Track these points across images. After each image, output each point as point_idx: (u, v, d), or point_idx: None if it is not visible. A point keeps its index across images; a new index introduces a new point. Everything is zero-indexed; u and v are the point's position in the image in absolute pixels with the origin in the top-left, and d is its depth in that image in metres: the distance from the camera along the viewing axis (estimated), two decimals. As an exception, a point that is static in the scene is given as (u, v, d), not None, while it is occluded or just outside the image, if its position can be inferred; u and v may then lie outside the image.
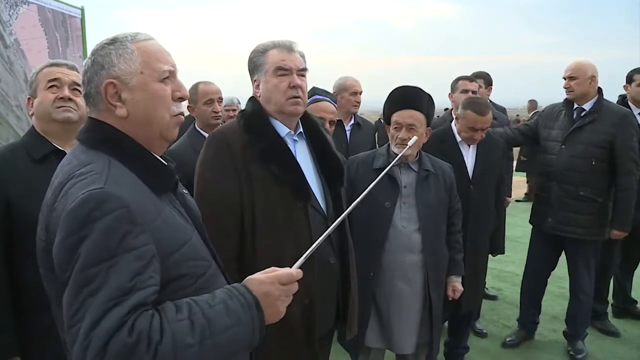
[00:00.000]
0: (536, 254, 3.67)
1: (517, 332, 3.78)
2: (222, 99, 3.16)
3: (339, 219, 1.39)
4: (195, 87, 3.10)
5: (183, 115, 1.29)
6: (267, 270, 1.23)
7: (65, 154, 1.89)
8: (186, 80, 1.34)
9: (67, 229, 1.02)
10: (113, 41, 1.19)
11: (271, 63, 1.87)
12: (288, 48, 1.89)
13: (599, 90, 3.38)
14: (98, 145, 1.16)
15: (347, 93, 3.71)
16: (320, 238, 1.30)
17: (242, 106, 5.05)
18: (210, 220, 1.78)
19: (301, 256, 1.26)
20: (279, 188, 1.82)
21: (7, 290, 1.73)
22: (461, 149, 3.04)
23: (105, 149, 1.15)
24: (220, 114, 3.07)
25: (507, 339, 3.72)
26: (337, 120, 3.52)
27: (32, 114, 1.91)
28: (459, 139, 3.04)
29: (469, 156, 3.05)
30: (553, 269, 3.68)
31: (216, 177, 1.83)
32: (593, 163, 3.26)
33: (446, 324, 3.38)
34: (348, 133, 3.71)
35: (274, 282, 1.19)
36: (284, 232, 1.82)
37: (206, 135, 2.99)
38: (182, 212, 1.26)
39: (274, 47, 1.89)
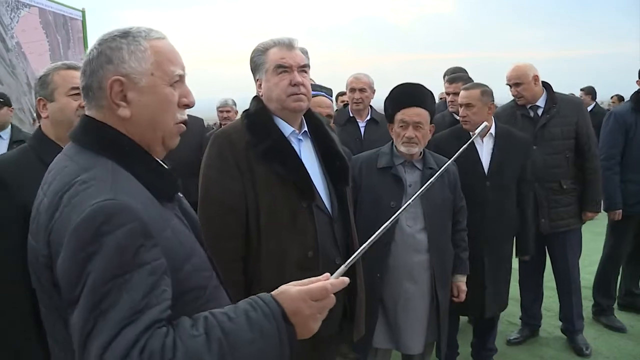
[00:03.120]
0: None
1: (520, 330, 3.78)
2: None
3: (411, 199, 1.26)
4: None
5: (186, 123, 1.21)
6: (303, 281, 1.12)
7: None
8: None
9: (75, 244, 0.94)
10: (125, 34, 1.10)
11: (271, 61, 1.87)
12: (288, 45, 1.88)
13: (546, 84, 3.45)
14: (99, 148, 1.08)
15: (347, 90, 3.81)
16: (372, 239, 1.19)
17: (237, 108, 5.11)
18: (215, 220, 1.77)
19: (341, 264, 1.15)
20: (283, 187, 1.82)
21: (28, 297, 1.64)
22: (475, 143, 2.99)
23: (107, 152, 1.07)
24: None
25: (512, 337, 3.71)
26: (351, 117, 3.70)
27: (46, 117, 1.81)
28: (472, 133, 3.00)
29: (484, 151, 3.00)
30: (545, 264, 3.69)
31: (220, 177, 1.83)
32: (567, 155, 3.36)
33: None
34: (362, 129, 3.72)
35: (306, 299, 1.06)
36: (289, 232, 1.82)
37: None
38: (184, 220, 1.19)
39: (274, 45, 1.89)
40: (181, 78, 1.16)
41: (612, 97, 10.42)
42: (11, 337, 1.63)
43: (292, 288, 1.09)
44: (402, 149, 2.42)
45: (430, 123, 2.45)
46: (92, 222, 0.94)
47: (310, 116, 2.00)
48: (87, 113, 1.14)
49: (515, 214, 3.05)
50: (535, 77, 3.39)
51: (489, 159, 2.98)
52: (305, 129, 1.97)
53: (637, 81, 3.88)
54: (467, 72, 4.11)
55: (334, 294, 1.11)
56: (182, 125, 1.19)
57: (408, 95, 2.43)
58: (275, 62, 1.86)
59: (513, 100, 3.50)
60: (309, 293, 1.07)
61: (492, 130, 3.02)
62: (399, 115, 2.42)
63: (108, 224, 0.94)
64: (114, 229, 0.94)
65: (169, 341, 0.93)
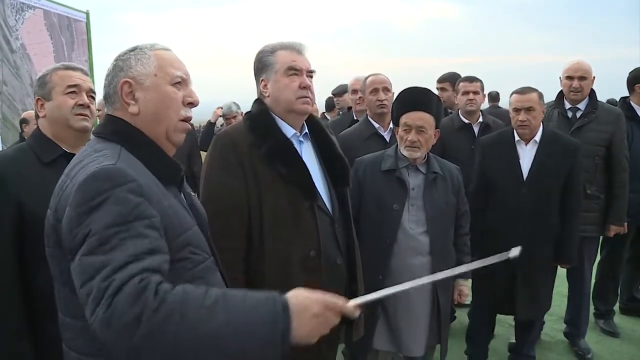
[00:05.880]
0: None
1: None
2: (388, 89, 3.23)
3: None
4: (364, 80, 3.32)
5: (191, 122, 1.37)
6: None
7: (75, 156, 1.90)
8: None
9: (78, 200, 1.07)
10: (134, 48, 1.31)
11: (282, 63, 1.88)
12: (298, 50, 1.91)
13: (592, 89, 3.45)
14: (111, 136, 1.25)
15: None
16: (393, 289, 1.29)
17: (243, 110, 5.00)
18: (217, 219, 1.79)
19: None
20: (285, 188, 1.84)
21: (20, 295, 1.67)
22: (518, 147, 2.97)
23: (117, 139, 1.24)
24: (385, 102, 3.17)
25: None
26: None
27: (44, 116, 1.83)
28: (516, 137, 2.98)
29: (526, 156, 2.95)
30: (556, 272, 3.66)
31: (222, 177, 1.84)
32: (596, 161, 3.33)
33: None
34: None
35: (319, 301, 1.09)
36: (292, 232, 1.83)
37: (375, 124, 3.20)
38: (186, 207, 1.32)
39: (282, 47, 1.91)
40: (184, 80, 1.33)
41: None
42: (6, 334, 1.64)
43: (306, 291, 1.12)
44: (405, 152, 2.43)
45: (437, 128, 2.45)
46: (94, 180, 1.08)
47: (310, 119, 2.02)
48: (108, 113, 1.33)
49: (555, 222, 2.96)
50: (594, 78, 3.42)
51: (529, 166, 2.93)
52: (306, 131, 1.99)
53: (636, 86, 3.83)
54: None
55: (337, 295, 1.14)
56: (186, 123, 1.34)
57: (412, 99, 2.42)
58: (287, 63, 1.88)
59: (554, 100, 3.51)
60: (323, 298, 1.10)
61: (537, 137, 2.96)
62: (403, 119, 2.42)
63: (109, 182, 1.08)
64: (114, 186, 1.08)
65: (167, 285, 1.00)
